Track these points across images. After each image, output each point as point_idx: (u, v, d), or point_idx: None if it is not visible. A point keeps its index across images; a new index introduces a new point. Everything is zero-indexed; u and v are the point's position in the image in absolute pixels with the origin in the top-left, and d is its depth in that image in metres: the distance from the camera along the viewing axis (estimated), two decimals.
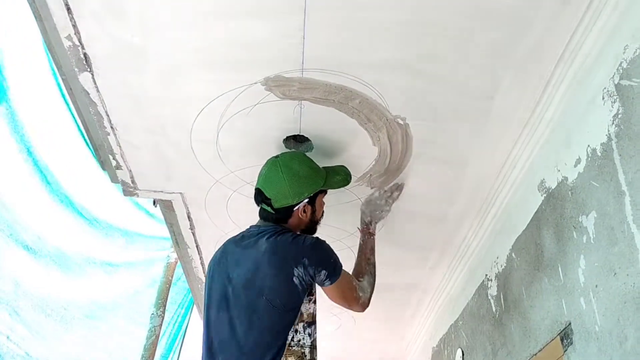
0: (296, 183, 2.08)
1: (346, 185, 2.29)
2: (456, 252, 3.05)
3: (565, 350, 1.87)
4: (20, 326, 2.43)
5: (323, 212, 2.25)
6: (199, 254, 3.10)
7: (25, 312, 2.44)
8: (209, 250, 3.05)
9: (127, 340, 3.32)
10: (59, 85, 2.48)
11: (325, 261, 2.01)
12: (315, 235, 2.15)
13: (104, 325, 3.07)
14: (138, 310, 3.45)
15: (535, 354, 2.11)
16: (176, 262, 3.55)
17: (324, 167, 2.21)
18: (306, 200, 2.12)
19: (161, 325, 3.52)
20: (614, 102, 1.61)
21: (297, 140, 2.28)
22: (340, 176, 2.25)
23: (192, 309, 4.14)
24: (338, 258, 2.06)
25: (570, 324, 1.85)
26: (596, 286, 1.70)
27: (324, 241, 2.07)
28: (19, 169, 2.45)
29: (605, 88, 1.66)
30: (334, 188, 2.27)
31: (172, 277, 3.57)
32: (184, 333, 4.26)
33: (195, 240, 2.97)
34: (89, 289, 2.94)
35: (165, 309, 3.51)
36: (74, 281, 2.81)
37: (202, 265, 3.23)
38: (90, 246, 2.96)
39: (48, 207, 2.61)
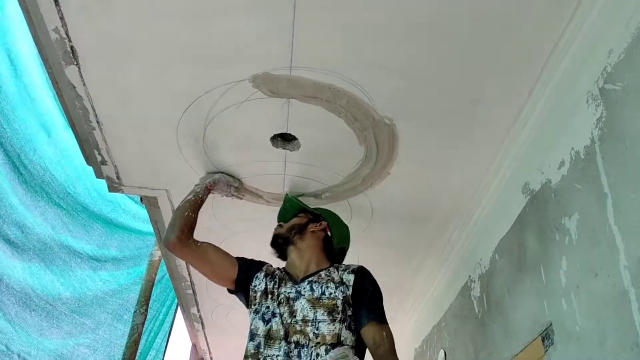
0: None
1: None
2: (440, 254, 3.07)
3: (547, 351, 1.89)
4: (1, 321, 2.40)
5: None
6: None
7: (8, 307, 2.42)
8: None
9: (112, 336, 3.29)
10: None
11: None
12: None
13: (89, 321, 3.04)
14: (123, 306, 3.42)
15: (517, 355, 2.13)
16: (160, 260, 3.53)
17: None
18: None
19: (144, 323, 3.48)
20: (598, 105, 1.63)
21: (284, 139, 2.28)
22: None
23: (176, 308, 4.12)
24: None
25: (551, 324, 1.87)
26: (577, 287, 1.72)
27: None
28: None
29: (589, 92, 1.68)
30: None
31: (155, 274, 3.54)
32: (169, 331, 4.23)
33: None
34: (74, 284, 2.91)
35: (148, 307, 3.48)
36: (58, 276, 2.79)
37: (186, 264, 3.22)
38: (76, 239, 2.94)
39: (28, 197, 2.59)
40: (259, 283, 2.15)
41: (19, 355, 2.55)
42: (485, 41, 1.78)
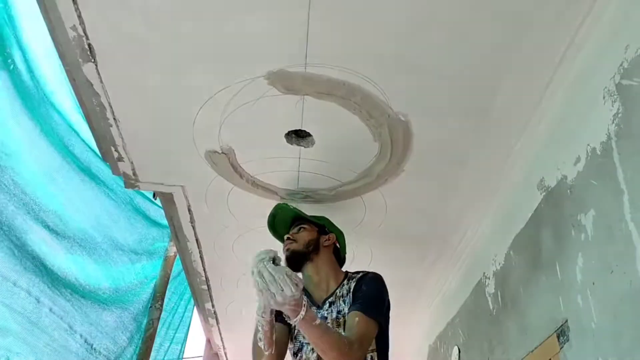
0: None
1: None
2: (454, 250, 3.07)
3: (562, 347, 1.88)
4: (61, 299, 2.46)
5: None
6: (198, 247, 3.11)
7: (62, 290, 2.48)
8: (208, 244, 3.08)
9: (138, 329, 3.34)
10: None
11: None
12: None
13: (124, 312, 3.09)
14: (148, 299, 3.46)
15: (532, 351, 2.13)
16: (175, 256, 3.56)
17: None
18: None
19: (159, 318, 3.51)
20: (615, 101, 1.62)
21: (298, 135, 2.29)
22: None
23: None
24: None
25: (567, 321, 1.86)
26: (593, 284, 1.71)
27: None
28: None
29: (606, 87, 1.67)
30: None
31: (170, 270, 3.57)
32: (188, 326, 4.27)
33: (195, 234, 2.98)
34: (114, 275, 2.97)
35: (163, 302, 3.50)
36: (101, 266, 2.85)
37: (201, 259, 3.25)
38: (120, 231, 3.00)
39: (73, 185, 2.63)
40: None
41: (81, 335, 2.61)
42: (502, 37, 1.78)
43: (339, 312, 2.13)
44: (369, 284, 2.15)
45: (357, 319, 1.97)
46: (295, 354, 2.16)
